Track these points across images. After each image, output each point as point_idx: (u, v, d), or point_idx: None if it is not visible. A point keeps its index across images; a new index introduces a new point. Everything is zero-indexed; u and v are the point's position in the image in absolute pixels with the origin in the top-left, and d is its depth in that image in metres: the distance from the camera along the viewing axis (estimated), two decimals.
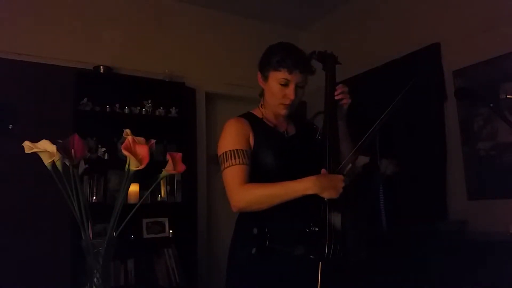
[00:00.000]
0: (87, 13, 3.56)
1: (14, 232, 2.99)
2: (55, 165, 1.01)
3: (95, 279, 0.99)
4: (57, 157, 1.00)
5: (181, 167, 1.06)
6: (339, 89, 1.57)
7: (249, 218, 1.54)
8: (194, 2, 4.00)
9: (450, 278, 2.31)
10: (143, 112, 3.54)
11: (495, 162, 2.77)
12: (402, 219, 2.94)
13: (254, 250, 1.46)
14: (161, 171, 1.08)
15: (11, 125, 3.07)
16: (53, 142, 1.00)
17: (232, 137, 1.57)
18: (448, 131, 3.05)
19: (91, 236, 1.01)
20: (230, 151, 1.53)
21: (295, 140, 1.66)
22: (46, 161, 1.00)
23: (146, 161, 1.00)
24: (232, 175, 1.50)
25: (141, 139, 1.04)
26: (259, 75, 1.65)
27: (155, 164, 1.09)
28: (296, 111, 1.68)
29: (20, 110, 3.13)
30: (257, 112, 1.70)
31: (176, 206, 3.53)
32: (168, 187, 3.53)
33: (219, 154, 1.57)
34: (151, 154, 1.02)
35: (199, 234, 3.74)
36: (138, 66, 3.63)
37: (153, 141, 1.05)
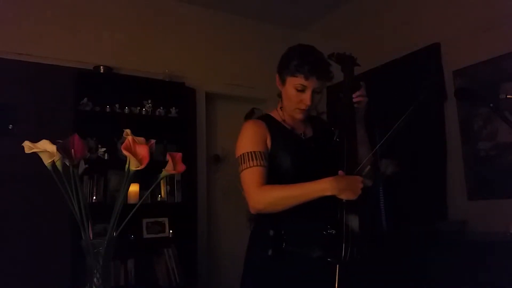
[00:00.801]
0: (87, 13, 3.56)
1: (14, 232, 2.99)
2: (55, 165, 1.01)
3: (95, 279, 0.99)
4: (57, 157, 1.00)
5: (181, 167, 1.06)
6: (357, 91, 1.57)
7: (266, 220, 1.54)
8: (194, 2, 4.00)
9: (450, 278, 2.31)
10: (143, 112, 3.54)
11: (495, 162, 2.77)
12: (402, 219, 2.94)
13: (270, 252, 1.46)
14: (161, 171, 1.08)
15: (11, 125, 3.07)
16: (53, 142, 1.00)
17: (249, 139, 1.58)
18: (448, 131, 3.05)
19: (91, 236, 1.01)
20: (248, 153, 1.54)
21: (312, 142, 1.66)
22: (46, 161, 1.00)
23: (146, 161, 1.00)
24: (250, 177, 1.51)
25: (141, 139, 1.04)
26: (277, 78, 1.65)
27: (155, 164, 1.09)
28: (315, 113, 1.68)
29: (20, 110, 3.13)
30: (275, 114, 1.70)
31: (176, 206, 3.53)
32: (168, 187, 3.53)
33: (237, 156, 1.59)
34: (151, 154, 1.02)
35: (199, 234, 3.74)
36: (138, 66, 3.63)
37: (153, 141, 1.05)
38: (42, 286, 2.98)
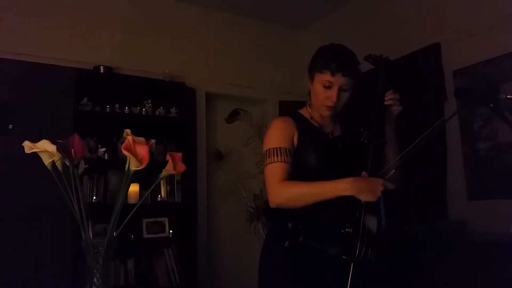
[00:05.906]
0: (87, 13, 3.56)
1: (14, 232, 2.99)
2: (55, 165, 1.01)
3: (95, 279, 0.99)
4: (57, 157, 1.00)
5: (181, 167, 1.06)
6: (390, 95, 1.59)
7: (285, 215, 1.57)
8: (194, 2, 4.00)
9: (450, 278, 2.31)
10: (143, 112, 3.54)
11: (495, 162, 2.77)
12: (402, 219, 2.93)
13: (287, 243, 1.50)
14: (161, 171, 1.08)
15: (11, 125, 3.07)
16: (53, 142, 1.00)
17: (276, 135, 1.62)
18: (448, 131, 3.05)
19: (91, 236, 1.01)
20: (273, 148, 1.57)
21: (340, 141, 1.68)
22: (46, 161, 1.00)
23: (146, 161, 1.01)
24: (272, 172, 1.55)
25: (141, 139, 1.04)
26: (307, 76, 1.68)
27: (155, 164, 1.09)
28: (345, 112, 1.70)
29: (20, 110, 3.13)
30: (304, 112, 1.72)
31: (176, 206, 3.53)
32: (168, 187, 3.53)
33: (263, 151, 1.63)
34: (151, 154, 1.02)
35: (199, 234, 3.74)
36: (138, 66, 3.63)
37: (153, 141, 1.05)
38: (42, 286, 2.98)
